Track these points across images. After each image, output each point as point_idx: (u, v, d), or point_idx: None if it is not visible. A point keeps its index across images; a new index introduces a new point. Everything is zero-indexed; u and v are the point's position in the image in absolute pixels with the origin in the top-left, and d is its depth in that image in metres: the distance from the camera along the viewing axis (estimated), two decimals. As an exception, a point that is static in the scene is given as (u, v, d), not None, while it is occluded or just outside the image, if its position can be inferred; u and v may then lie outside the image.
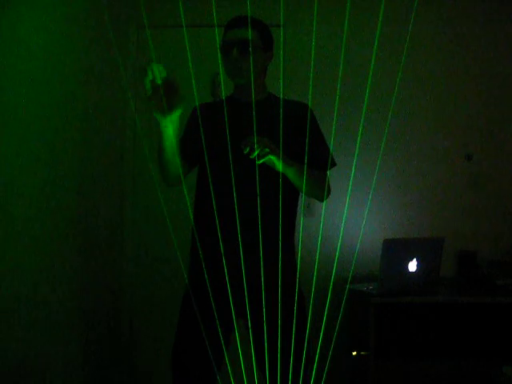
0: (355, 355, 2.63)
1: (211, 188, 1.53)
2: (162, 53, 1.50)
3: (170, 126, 1.57)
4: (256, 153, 1.53)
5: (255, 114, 1.56)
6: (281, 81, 1.74)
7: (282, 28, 2.70)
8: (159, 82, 1.42)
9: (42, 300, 2.02)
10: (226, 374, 1.48)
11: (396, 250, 2.43)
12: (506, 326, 2.51)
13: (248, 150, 1.53)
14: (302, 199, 1.80)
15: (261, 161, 1.56)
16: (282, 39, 2.69)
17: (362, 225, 1.63)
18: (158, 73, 1.42)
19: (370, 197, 1.93)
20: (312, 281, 1.65)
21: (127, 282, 2.94)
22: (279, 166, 1.61)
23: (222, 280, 1.46)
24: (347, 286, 2.48)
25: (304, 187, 1.70)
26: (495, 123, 3.01)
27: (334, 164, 1.82)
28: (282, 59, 2.68)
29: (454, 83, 3.00)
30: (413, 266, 2.44)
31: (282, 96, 1.86)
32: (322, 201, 1.77)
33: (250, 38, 1.70)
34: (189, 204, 1.45)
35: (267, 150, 1.55)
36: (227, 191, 1.53)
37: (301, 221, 1.80)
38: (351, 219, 1.87)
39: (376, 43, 1.49)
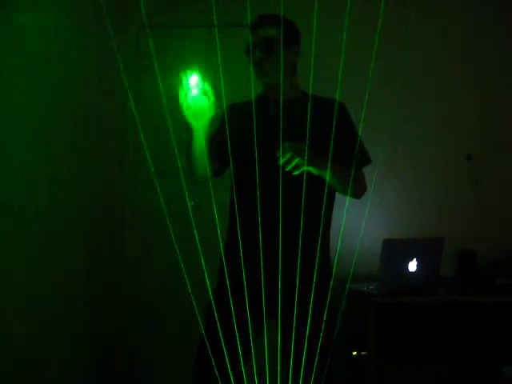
0: (355, 355, 2.63)
1: (244, 189, 1.53)
2: (161, 53, 1.50)
3: (201, 129, 1.59)
4: (292, 165, 1.53)
5: (288, 114, 1.56)
6: (281, 81, 1.73)
7: (281, 28, 2.70)
8: (191, 91, 1.48)
9: (42, 301, 2.01)
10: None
11: (396, 250, 2.43)
12: (506, 325, 2.50)
13: (284, 160, 1.52)
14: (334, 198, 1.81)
15: (297, 172, 1.55)
16: (281, 39, 2.69)
17: (361, 225, 1.62)
18: (191, 82, 1.47)
19: (370, 197, 1.93)
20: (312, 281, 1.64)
21: (128, 283, 2.94)
22: (315, 172, 1.60)
23: (257, 280, 1.45)
24: (347, 286, 2.48)
25: (340, 187, 1.71)
26: (495, 123, 3.00)
27: (369, 161, 1.85)
28: (281, 59, 2.68)
29: (454, 83, 3.00)
30: (413, 266, 2.43)
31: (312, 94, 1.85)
32: (358, 198, 1.79)
33: (272, 36, 1.72)
34: (188, 203, 1.45)
35: (303, 161, 1.53)
36: (262, 193, 1.51)
37: (331, 220, 1.84)
38: (351, 219, 1.86)
39: (376, 43, 1.48)
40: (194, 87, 1.51)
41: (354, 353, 2.63)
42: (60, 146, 2.16)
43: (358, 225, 1.95)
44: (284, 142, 1.53)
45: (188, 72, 1.50)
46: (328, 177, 1.65)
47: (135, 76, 2.91)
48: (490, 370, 2.45)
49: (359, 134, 1.80)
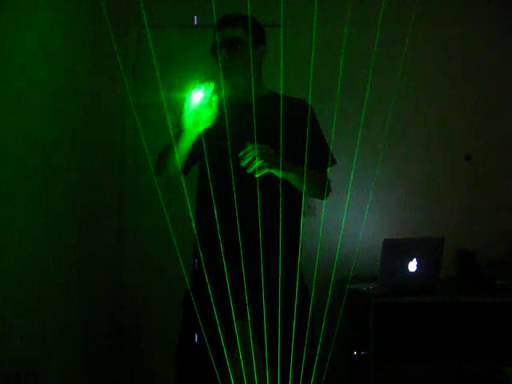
0: (355, 355, 2.63)
1: (212, 191, 1.52)
2: (162, 53, 1.50)
3: (194, 136, 1.66)
4: (254, 167, 1.53)
5: (254, 113, 1.55)
6: (281, 81, 1.73)
7: (281, 28, 2.70)
8: (198, 101, 1.57)
9: (43, 301, 2.01)
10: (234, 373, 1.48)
11: (396, 250, 2.43)
12: (506, 325, 2.51)
13: (246, 162, 1.52)
14: (303, 199, 1.80)
15: (259, 174, 1.55)
16: (281, 39, 2.69)
17: (362, 225, 1.62)
18: (200, 93, 1.57)
19: (370, 197, 1.93)
20: (312, 281, 1.65)
21: (128, 282, 2.94)
22: (279, 173, 1.61)
23: (224, 282, 1.45)
24: (347, 286, 2.48)
25: (304, 188, 1.69)
26: (495, 123, 3.01)
27: (334, 162, 1.81)
28: (281, 59, 2.68)
29: (453, 83, 3.01)
30: (413, 265, 2.43)
31: (282, 94, 1.85)
32: (323, 199, 1.76)
33: (236, 36, 1.71)
34: (189, 204, 1.45)
35: (265, 164, 1.54)
36: (228, 194, 1.52)
37: (301, 220, 1.82)
38: (351, 219, 1.86)
39: (376, 43, 1.49)
40: (203, 98, 1.57)
41: (354, 353, 2.63)
42: (57, 147, 2.16)
43: (358, 225, 1.95)
44: (246, 143, 1.54)
45: (200, 82, 1.58)
46: (291, 178, 1.66)
47: (135, 76, 2.91)
48: (489, 370, 2.45)
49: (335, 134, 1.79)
